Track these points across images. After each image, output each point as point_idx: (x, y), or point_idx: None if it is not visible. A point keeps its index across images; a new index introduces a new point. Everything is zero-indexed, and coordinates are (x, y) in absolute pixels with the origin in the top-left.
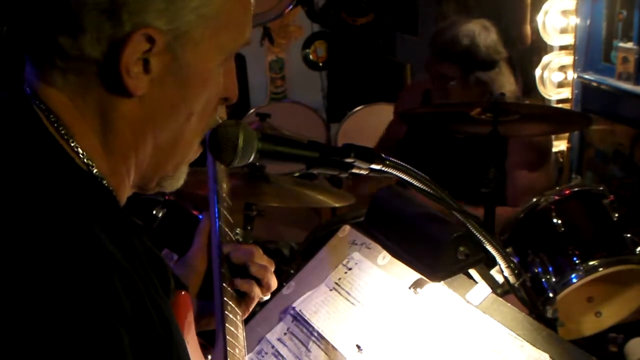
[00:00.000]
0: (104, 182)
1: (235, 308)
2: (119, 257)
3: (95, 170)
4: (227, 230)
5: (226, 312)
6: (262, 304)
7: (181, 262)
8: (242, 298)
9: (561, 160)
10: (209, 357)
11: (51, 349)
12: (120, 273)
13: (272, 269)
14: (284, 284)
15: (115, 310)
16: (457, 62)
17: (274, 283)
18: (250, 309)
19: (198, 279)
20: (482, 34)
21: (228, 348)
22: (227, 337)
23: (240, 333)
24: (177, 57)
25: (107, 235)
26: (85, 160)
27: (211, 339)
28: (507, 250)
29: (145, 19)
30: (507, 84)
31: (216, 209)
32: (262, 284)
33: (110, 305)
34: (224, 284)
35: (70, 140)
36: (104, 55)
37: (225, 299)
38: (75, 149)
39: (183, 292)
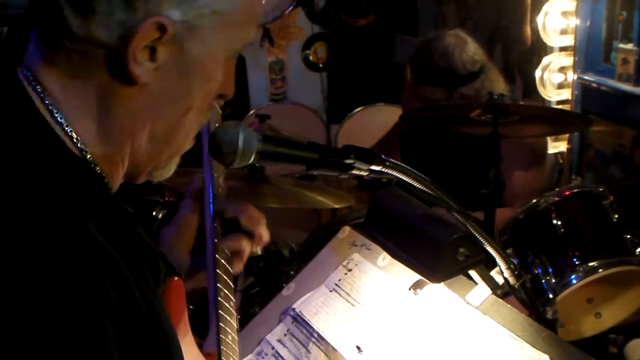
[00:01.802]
0: (97, 168)
1: (229, 294)
2: (106, 245)
3: (89, 156)
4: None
5: (219, 298)
6: (262, 305)
7: (175, 220)
8: (234, 257)
9: (561, 161)
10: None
11: (33, 340)
12: (107, 262)
13: (264, 223)
14: (284, 285)
15: (99, 300)
16: (438, 84)
17: (266, 235)
18: (244, 260)
19: (191, 236)
20: (456, 49)
21: (221, 335)
22: (220, 323)
23: (233, 319)
24: (184, 50)
25: (95, 223)
26: (79, 145)
27: (204, 330)
28: (507, 251)
29: (159, 8)
30: (495, 86)
31: (210, 196)
32: (254, 236)
33: (94, 295)
34: (217, 271)
35: (65, 124)
36: (113, 40)
37: (219, 285)
38: (70, 133)
39: (176, 278)
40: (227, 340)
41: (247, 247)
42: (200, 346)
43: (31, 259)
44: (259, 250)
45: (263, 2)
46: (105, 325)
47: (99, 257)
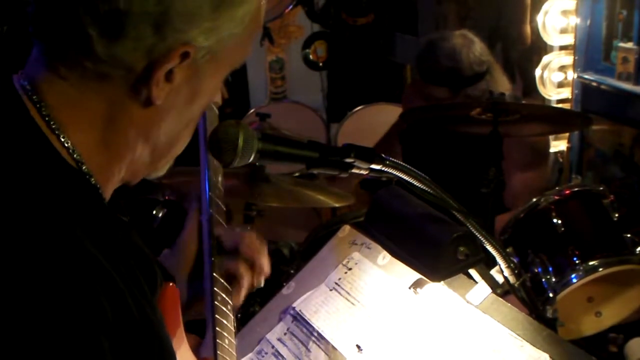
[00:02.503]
0: (92, 179)
1: (226, 297)
2: (100, 258)
3: (84, 167)
4: (218, 217)
5: (216, 302)
6: (262, 304)
7: (173, 248)
8: (232, 284)
9: (561, 160)
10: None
11: (29, 358)
12: (102, 276)
13: (265, 252)
14: (284, 284)
15: (95, 316)
16: (444, 84)
17: (266, 266)
18: (242, 294)
19: (189, 263)
20: (464, 49)
21: (217, 340)
22: (217, 327)
23: (230, 323)
24: (199, 71)
25: (89, 236)
26: (75, 155)
27: (201, 330)
28: (507, 250)
29: (189, 37)
30: (500, 86)
31: (207, 197)
32: (253, 267)
33: (90, 311)
34: (214, 274)
35: (61, 135)
36: (137, 64)
37: (215, 289)
38: (66, 144)
39: (170, 284)
40: (223, 344)
41: (247, 275)
42: (199, 346)
43: (25, 274)
44: (261, 283)
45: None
46: (101, 340)
47: (94, 272)
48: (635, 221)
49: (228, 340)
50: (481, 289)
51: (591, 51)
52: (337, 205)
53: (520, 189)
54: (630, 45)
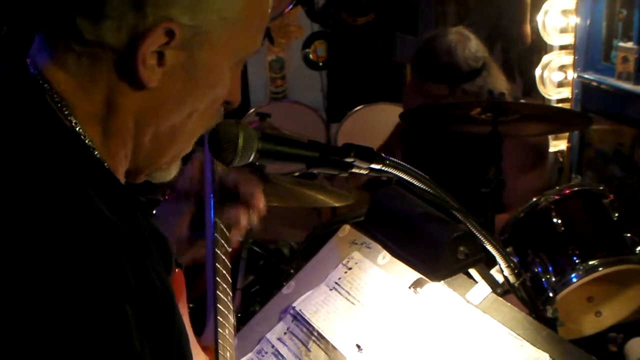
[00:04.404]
0: (105, 164)
1: (227, 289)
2: (125, 229)
3: (96, 152)
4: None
5: (218, 292)
6: (262, 304)
7: (174, 195)
8: (231, 228)
9: (561, 160)
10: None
11: (52, 323)
12: (125, 245)
13: (260, 191)
14: (284, 283)
15: (119, 285)
16: (442, 81)
17: (262, 205)
18: (243, 231)
19: (190, 208)
20: (459, 45)
21: (218, 329)
22: (218, 317)
23: (231, 314)
24: (193, 55)
25: (114, 212)
26: (87, 141)
27: (201, 325)
28: (507, 249)
29: (169, 13)
30: (497, 83)
31: (211, 194)
32: (251, 207)
33: (114, 280)
34: (216, 265)
35: (74, 122)
36: (122, 44)
37: (217, 279)
38: (78, 131)
39: (177, 270)
40: (224, 334)
41: (245, 218)
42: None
43: (51, 244)
44: (255, 220)
45: (269, 10)
46: (125, 309)
47: (116, 241)
48: (635, 221)
49: (228, 330)
50: (481, 289)
51: (591, 51)
52: (337, 205)
53: (519, 191)
54: (630, 45)
